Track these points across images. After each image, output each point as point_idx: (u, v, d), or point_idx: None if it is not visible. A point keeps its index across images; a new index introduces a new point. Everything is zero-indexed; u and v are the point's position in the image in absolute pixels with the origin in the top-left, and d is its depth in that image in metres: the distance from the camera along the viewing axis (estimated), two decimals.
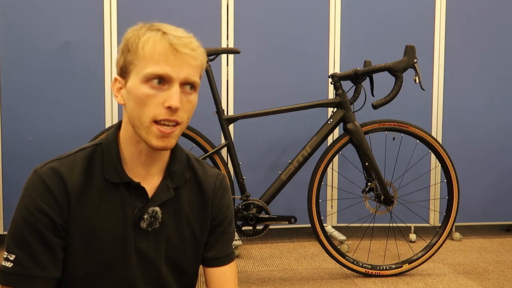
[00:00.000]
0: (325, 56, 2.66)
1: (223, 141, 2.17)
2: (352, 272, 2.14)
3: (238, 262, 2.30)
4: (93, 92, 2.42)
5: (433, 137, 2.11)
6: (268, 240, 2.70)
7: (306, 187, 2.17)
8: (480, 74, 2.76)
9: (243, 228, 2.03)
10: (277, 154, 2.63)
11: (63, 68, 2.40)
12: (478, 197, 2.79)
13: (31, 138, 2.38)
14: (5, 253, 0.81)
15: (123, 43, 0.85)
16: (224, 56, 2.54)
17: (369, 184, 2.14)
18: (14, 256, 0.80)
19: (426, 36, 2.71)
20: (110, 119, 2.45)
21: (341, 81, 2.10)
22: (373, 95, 2.06)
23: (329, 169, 2.69)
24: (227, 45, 2.56)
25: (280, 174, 2.07)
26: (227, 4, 2.53)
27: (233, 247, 1.04)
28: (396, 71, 1.93)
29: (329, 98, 2.55)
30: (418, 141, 2.13)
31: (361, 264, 2.09)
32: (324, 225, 2.38)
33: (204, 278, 1.04)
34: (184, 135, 2.02)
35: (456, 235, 2.78)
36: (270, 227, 2.11)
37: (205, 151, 2.03)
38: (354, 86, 2.15)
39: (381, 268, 2.11)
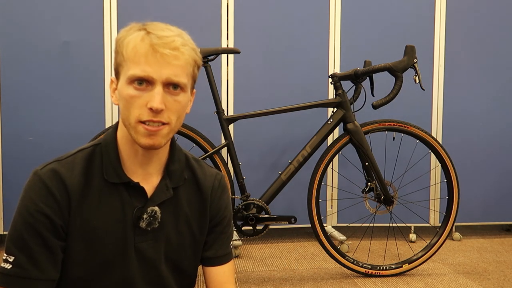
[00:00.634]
0: (325, 56, 2.66)
1: (223, 141, 2.17)
2: (352, 272, 2.14)
3: (238, 262, 2.30)
4: (93, 92, 2.42)
5: (433, 137, 2.11)
6: (268, 240, 2.70)
7: (306, 187, 2.17)
8: (480, 74, 2.77)
9: (243, 228, 2.03)
10: (277, 154, 2.63)
11: (63, 68, 2.40)
12: (478, 197, 2.79)
13: (31, 138, 2.38)
14: (4, 254, 0.81)
15: (115, 44, 0.85)
16: (224, 56, 2.54)
17: (369, 184, 2.14)
18: (13, 257, 0.80)
19: (426, 36, 2.71)
20: (110, 119, 2.45)
21: (341, 81, 2.10)
22: (373, 95, 2.06)
23: (329, 169, 2.69)
24: (227, 45, 2.56)
25: (280, 174, 2.07)
26: (227, 4, 2.53)
27: (232, 246, 1.05)
28: (396, 71, 1.93)
29: (329, 98, 2.55)
30: (418, 141, 2.13)
31: (361, 264, 2.09)
32: (324, 225, 2.38)
33: (203, 278, 1.04)
34: (184, 135, 2.02)
35: (456, 235, 2.78)
36: (270, 227, 2.11)
37: (205, 151, 2.03)
38: (354, 86, 2.15)
39: (381, 268, 2.11)
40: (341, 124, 2.11)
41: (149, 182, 0.91)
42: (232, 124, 2.49)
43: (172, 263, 0.94)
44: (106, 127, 2.32)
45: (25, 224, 0.81)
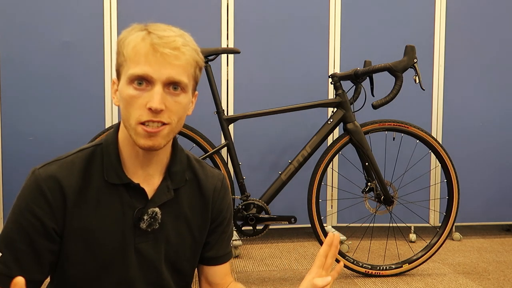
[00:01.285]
0: (325, 56, 2.66)
1: (223, 141, 2.17)
2: (352, 272, 2.14)
3: (238, 262, 2.30)
4: (93, 92, 2.42)
5: (433, 137, 2.11)
6: (268, 240, 2.70)
7: (306, 187, 2.17)
8: (480, 74, 2.77)
9: (243, 228, 2.03)
10: (277, 154, 2.63)
11: (63, 68, 2.40)
12: (478, 197, 2.79)
13: (31, 138, 2.38)
14: None
15: (117, 45, 0.85)
16: (224, 56, 2.54)
17: (369, 184, 2.14)
18: (0, 254, 0.81)
19: (426, 36, 2.71)
20: (110, 119, 2.45)
21: (341, 81, 2.10)
22: (373, 95, 2.06)
23: (329, 169, 2.69)
24: (227, 45, 2.56)
25: (280, 174, 2.07)
26: (227, 4, 2.53)
27: (232, 246, 1.06)
28: (396, 71, 1.93)
29: (329, 98, 2.55)
30: (418, 141, 2.13)
31: (361, 264, 2.09)
32: (324, 225, 2.38)
33: (197, 277, 1.05)
34: (184, 135, 2.02)
35: (456, 235, 2.78)
36: (270, 227, 2.11)
37: (205, 151, 2.03)
38: (354, 86, 2.15)
39: (381, 268, 2.11)
40: (341, 124, 2.11)
41: (150, 183, 0.90)
42: (232, 124, 2.49)
43: (172, 264, 0.94)
44: (106, 127, 2.32)
45: (16, 224, 0.82)
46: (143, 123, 0.80)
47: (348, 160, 2.60)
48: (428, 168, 2.75)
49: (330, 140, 2.65)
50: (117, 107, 2.44)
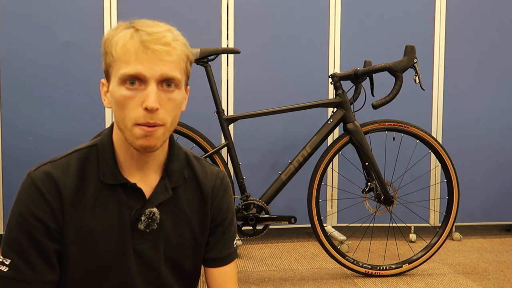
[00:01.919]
0: (325, 56, 2.66)
1: (223, 141, 2.17)
2: (352, 272, 2.14)
3: (238, 262, 2.30)
4: (93, 92, 2.42)
5: (433, 137, 2.11)
6: (268, 240, 2.70)
7: (306, 187, 2.17)
8: (480, 74, 2.77)
9: (243, 228, 2.03)
10: (277, 154, 2.63)
11: (63, 68, 2.40)
12: (478, 197, 2.79)
13: (31, 138, 2.38)
14: (1, 257, 0.81)
15: (103, 45, 0.83)
16: (224, 56, 2.54)
17: (369, 184, 2.14)
18: (9, 260, 0.80)
19: (426, 36, 2.71)
20: (110, 119, 2.45)
21: (341, 81, 2.10)
22: (373, 95, 2.06)
23: (329, 169, 2.69)
24: (227, 45, 2.56)
25: (280, 174, 2.07)
26: (227, 4, 2.53)
27: (235, 246, 1.03)
28: (396, 71, 1.93)
29: (329, 98, 2.55)
30: (418, 141, 2.13)
31: (361, 264, 2.09)
32: (324, 225, 2.38)
33: (204, 278, 1.04)
34: (184, 135, 2.02)
35: (456, 235, 2.78)
36: (270, 227, 2.11)
37: (205, 151, 2.03)
38: (354, 86, 2.15)
39: (381, 268, 2.11)
40: (341, 124, 2.11)
41: (148, 183, 0.89)
42: (232, 124, 2.49)
43: (172, 263, 0.93)
44: (106, 127, 2.32)
45: (19, 227, 0.81)
46: (139, 124, 0.79)
47: (348, 160, 2.60)
48: (428, 168, 2.75)
49: (330, 140, 2.65)
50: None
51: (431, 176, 2.76)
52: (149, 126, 0.79)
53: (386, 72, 1.98)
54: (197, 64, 1.98)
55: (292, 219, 2.06)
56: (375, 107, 1.95)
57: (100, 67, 0.87)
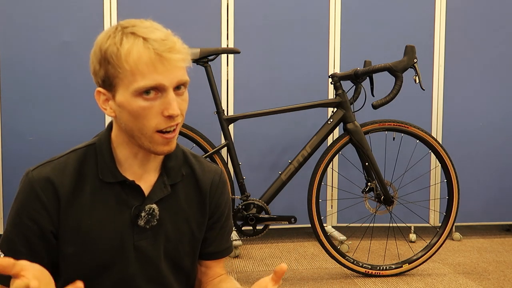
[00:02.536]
0: (325, 56, 2.66)
1: (223, 141, 2.17)
2: (352, 272, 2.14)
3: (238, 262, 2.30)
4: (93, 92, 2.41)
5: (433, 137, 2.11)
6: (268, 240, 2.70)
7: (306, 187, 2.17)
8: (480, 74, 2.76)
9: (243, 228, 2.03)
10: (277, 154, 2.63)
11: (63, 68, 2.40)
12: (478, 197, 2.79)
13: (31, 138, 2.38)
14: None
15: (99, 54, 0.81)
16: (224, 56, 2.54)
17: (369, 184, 2.14)
18: (2, 255, 0.82)
19: (426, 36, 2.71)
20: (110, 120, 2.44)
21: (341, 81, 2.10)
22: (373, 95, 2.06)
23: (329, 169, 2.69)
24: (227, 45, 2.56)
25: (280, 174, 2.07)
26: (227, 4, 2.53)
27: (231, 239, 1.07)
28: (396, 71, 1.93)
29: (329, 98, 2.55)
30: (418, 141, 2.13)
31: (361, 264, 2.09)
32: (324, 225, 2.38)
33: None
34: (184, 135, 2.02)
35: (456, 235, 2.78)
36: (270, 227, 2.11)
37: (205, 151, 2.03)
38: (354, 86, 2.15)
39: (381, 268, 2.11)
40: (341, 124, 2.11)
41: (146, 180, 0.90)
42: (232, 124, 2.49)
43: (171, 260, 0.94)
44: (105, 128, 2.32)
45: (14, 226, 0.83)
46: (160, 131, 0.81)
47: (348, 160, 2.60)
48: (428, 168, 2.75)
49: (330, 140, 2.65)
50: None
51: (431, 176, 2.76)
52: (169, 133, 0.82)
53: (386, 72, 1.98)
54: (197, 64, 1.98)
55: (292, 219, 2.06)
56: (375, 107, 1.95)
57: (95, 76, 0.86)
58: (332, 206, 2.72)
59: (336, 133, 2.68)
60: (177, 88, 0.81)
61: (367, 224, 2.71)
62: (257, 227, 2.03)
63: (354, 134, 2.06)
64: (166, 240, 0.92)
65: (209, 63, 2.00)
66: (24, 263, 0.64)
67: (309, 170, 2.16)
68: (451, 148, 2.68)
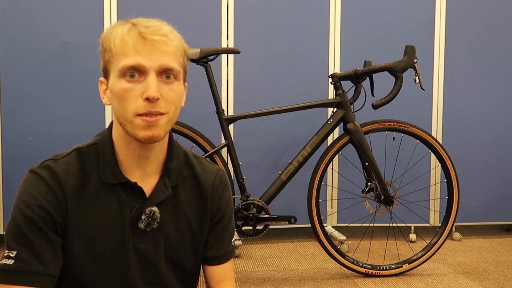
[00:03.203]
0: (325, 56, 2.66)
1: (223, 141, 2.17)
2: (352, 272, 2.14)
3: (238, 262, 2.30)
4: (93, 92, 2.42)
5: (433, 137, 2.11)
6: (268, 240, 2.70)
7: (306, 187, 2.17)
8: (480, 74, 2.77)
9: (243, 228, 2.03)
10: (277, 154, 2.63)
11: (63, 68, 2.40)
12: (478, 197, 2.79)
13: (31, 138, 2.38)
14: (6, 251, 0.80)
15: (100, 45, 0.84)
16: (224, 56, 2.54)
17: (369, 184, 2.14)
18: (15, 252, 0.78)
19: (426, 36, 2.71)
20: (110, 119, 2.45)
21: (341, 81, 2.10)
22: (373, 95, 2.06)
23: (329, 169, 2.69)
24: (227, 45, 2.56)
25: (280, 174, 2.07)
26: (227, 4, 2.53)
27: (233, 244, 1.04)
28: (396, 71, 1.93)
29: (329, 98, 2.55)
30: (418, 141, 2.13)
31: (361, 264, 2.09)
32: (324, 225, 2.38)
33: (204, 278, 1.04)
34: (184, 135, 2.02)
35: (456, 235, 2.78)
36: (270, 227, 2.11)
37: (205, 151, 2.03)
38: (354, 86, 2.15)
39: (381, 268, 2.11)
40: (341, 124, 2.11)
41: (148, 181, 0.90)
42: (232, 124, 2.49)
43: (172, 262, 0.93)
44: (106, 127, 2.32)
45: (25, 219, 0.79)
46: (140, 115, 0.79)
47: (348, 160, 2.60)
48: (428, 168, 2.75)
49: (330, 140, 2.65)
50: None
51: (431, 176, 2.76)
52: (151, 116, 0.80)
53: (386, 72, 1.98)
54: (197, 64, 1.98)
55: (292, 219, 2.06)
56: (375, 107, 1.95)
57: (100, 67, 0.87)
58: (332, 206, 2.72)
59: (336, 133, 2.68)
60: (166, 76, 0.81)
61: (367, 224, 2.71)
62: (257, 227, 2.03)
63: (354, 134, 2.06)
64: (167, 242, 0.91)
65: (209, 63, 2.00)
66: None
67: (309, 170, 2.16)
68: (451, 148, 2.68)
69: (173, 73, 0.82)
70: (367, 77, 2.08)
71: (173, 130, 0.89)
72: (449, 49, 2.72)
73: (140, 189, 0.88)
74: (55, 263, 0.82)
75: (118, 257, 0.87)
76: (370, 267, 2.09)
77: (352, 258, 2.09)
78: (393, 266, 2.12)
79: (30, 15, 2.35)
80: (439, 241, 2.15)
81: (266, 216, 2.04)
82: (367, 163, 2.10)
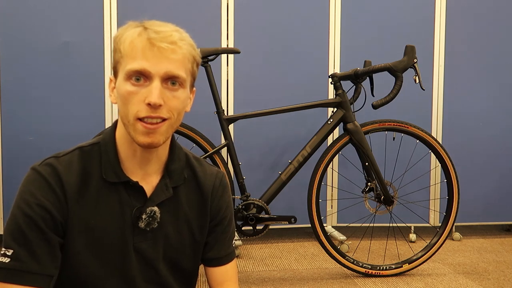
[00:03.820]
0: (325, 56, 2.66)
1: (223, 141, 2.17)
2: (352, 272, 2.14)
3: (238, 262, 2.30)
4: (93, 92, 2.42)
5: (433, 137, 2.11)
6: (268, 240, 2.70)
7: (306, 187, 2.17)
8: (480, 74, 2.77)
9: (243, 228, 2.03)
10: (277, 154, 2.63)
11: (63, 68, 2.40)
12: (478, 197, 2.79)
13: (31, 138, 2.38)
14: (3, 248, 0.79)
15: (113, 43, 0.85)
16: (224, 56, 2.54)
17: (369, 184, 2.14)
18: (11, 251, 0.78)
19: (426, 36, 2.71)
20: (110, 119, 2.45)
21: (341, 81, 2.10)
22: (373, 95, 2.06)
23: (329, 169, 2.69)
24: (227, 45, 2.56)
25: (280, 174, 2.07)
26: (227, 4, 2.53)
27: (233, 245, 1.04)
28: (396, 71, 1.93)
29: (329, 98, 2.55)
30: (418, 141, 2.13)
31: (361, 264, 2.09)
32: (324, 225, 2.38)
33: (205, 278, 1.04)
34: (184, 135, 2.02)
35: (456, 235, 2.78)
36: (270, 227, 2.11)
37: (205, 151, 2.03)
38: (354, 86, 2.15)
39: (381, 268, 2.11)
40: (341, 124, 2.11)
41: (149, 181, 0.90)
42: (232, 124, 2.49)
43: (172, 262, 0.94)
44: (106, 127, 2.32)
45: (25, 217, 0.79)
46: (141, 119, 0.80)
47: (348, 160, 2.60)
48: (428, 168, 2.75)
49: (330, 140, 2.65)
50: (116, 107, 2.44)
51: (431, 176, 2.76)
52: (152, 124, 0.80)
53: (386, 72, 1.98)
54: None
55: (292, 219, 2.06)
56: (375, 107, 1.95)
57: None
58: (332, 206, 2.72)
59: (336, 133, 2.68)
60: (169, 82, 0.81)
61: (367, 224, 2.71)
62: (257, 227, 2.03)
63: (354, 134, 2.06)
64: (166, 243, 0.92)
65: (209, 63, 2.00)
66: None
67: (309, 170, 2.16)
68: (451, 148, 2.68)
69: (179, 80, 0.82)
70: (367, 77, 2.08)
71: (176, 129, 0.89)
72: (449, 49, 2.72)
73: (141, 188, 0.88)
74: (53, 263, 0.81)
75: (118, 256, 0.87)
76: (370, 267, 2.09)
77: (352, 258, 2.09)
78: (393, 266, 2.12)
79: (30, 15, 2.35)
80: (439, 241, 2.15)
81: (266, 216, 2.04)
82: (367, 163, 2.10)
